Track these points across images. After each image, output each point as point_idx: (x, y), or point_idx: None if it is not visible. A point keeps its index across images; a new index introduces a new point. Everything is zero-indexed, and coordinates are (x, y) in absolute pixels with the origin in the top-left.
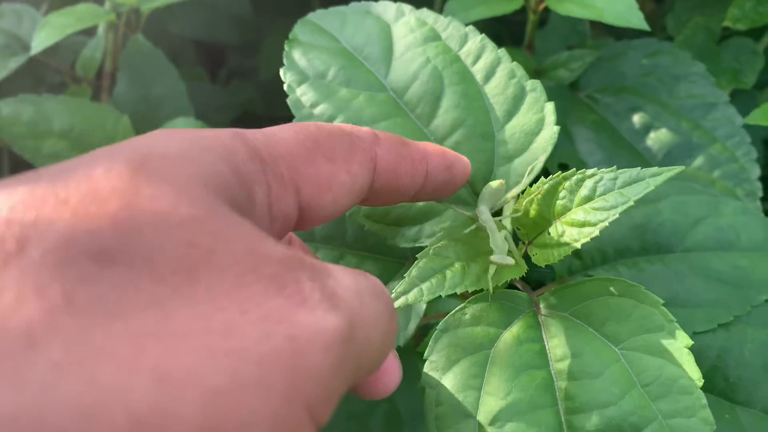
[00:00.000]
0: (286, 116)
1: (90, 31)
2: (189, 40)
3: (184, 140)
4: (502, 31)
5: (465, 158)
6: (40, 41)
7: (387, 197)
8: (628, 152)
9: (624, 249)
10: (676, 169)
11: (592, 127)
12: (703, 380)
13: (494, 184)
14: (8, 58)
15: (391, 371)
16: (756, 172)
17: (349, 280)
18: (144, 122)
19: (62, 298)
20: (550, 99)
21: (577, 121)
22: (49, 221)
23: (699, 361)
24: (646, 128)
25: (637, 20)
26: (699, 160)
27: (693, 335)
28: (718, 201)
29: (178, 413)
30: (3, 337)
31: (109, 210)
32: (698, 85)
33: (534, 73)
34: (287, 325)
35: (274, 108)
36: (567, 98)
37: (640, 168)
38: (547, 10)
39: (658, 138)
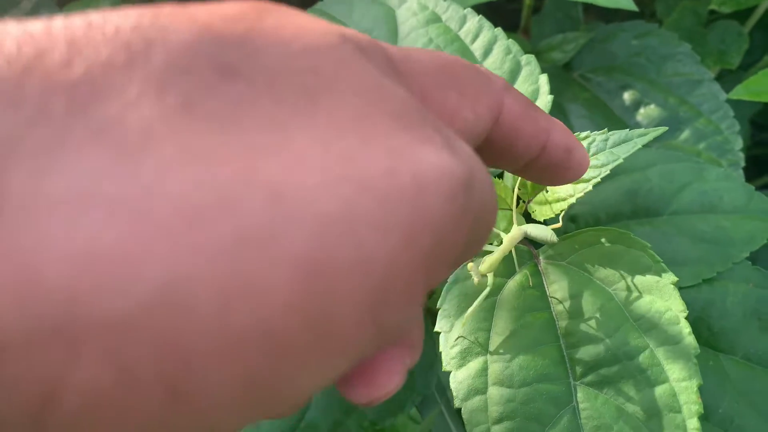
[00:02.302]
0: None
1: None
2: None
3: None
4: (498, 20)
5: (586, 152)
6: None
7: (497, 155)
8: (619, 127)
9: (616, 213)
10: (660, 130)
11: (585, 104)
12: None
13: None
14: None
15: (393, 368)
16: (739, 143)
17: (464, 145)
18: None
19: (182, 102)
20: None
21: (571, 99)
22: (176, 30)
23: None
24: (636, 104)
25: (625, 1)
26: (686, 134)
27: (680, 290)
28: (702, 168)
29: (287, 234)
30: (120, 129)
31: (236, 29)
32: (684, 64)
33: None
34: (413, 163)
35: None
36: (561, 78)
37: (628, 129)
38: None
39: (647, 113)
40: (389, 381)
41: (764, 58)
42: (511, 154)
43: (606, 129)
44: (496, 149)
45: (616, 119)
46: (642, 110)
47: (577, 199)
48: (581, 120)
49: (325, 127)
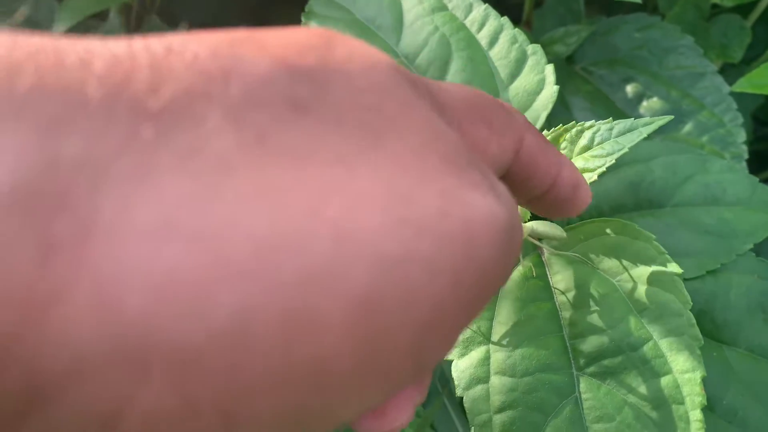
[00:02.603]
0: None
1: (101, 17)
2: (198, 25)
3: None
4: (500, 13)
5: (589, 188)
6: (63, 21)
7: (513, 188)
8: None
9: (619, 205)
10: (665, 118)
11: (588, 97)
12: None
13: None
14: None
15: (404, 404)
16: (742, 136)
17: (504, 187)
18: None
19: (256, 135)
20: None
21: (573, 92)
22: (251, 61)
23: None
24: (639, 97)
25: None
26: (689, 126)
27: (683, 282)
28: (705, 160)
29: (349, 273)
30: (201, 159)
31: (307, 62)
32: (687, 57)
33: None
34: (463, 207)
35: None
36: (564, 71)
37: (633, 119)
38: None
39: (650, 106)
40: (399, 416)
41: (767, 52)
42: (526, 187)
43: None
44: (513, 182)
45: (618, 112)
46: (645, 103)
47: None
48: (584, 113)
49: (387, 165)
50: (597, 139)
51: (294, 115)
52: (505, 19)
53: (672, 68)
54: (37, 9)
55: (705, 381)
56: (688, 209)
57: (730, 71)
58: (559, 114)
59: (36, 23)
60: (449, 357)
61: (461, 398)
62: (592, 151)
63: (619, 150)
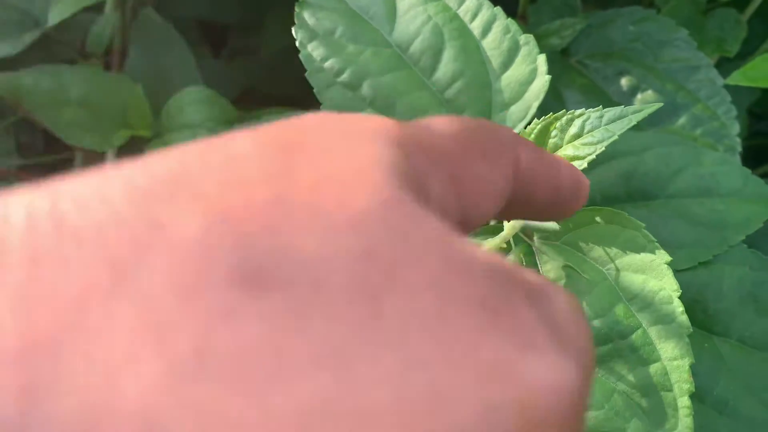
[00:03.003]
0: (288, 93)
1: (97, 10)
2: (193, 19)
3: (342, 119)
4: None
5: (585, 177)
6: (56, 13)
7: (517, 208)
8: None
9: (611, 196)
10: (655, 106)
11: (582, 90)
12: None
13: None
14: (23, 33)
15: None
16: (735, 129)
17: (563, 299)
18: (156, 91)
19: (193, 351)
20: None
21: (568, 85)
22: (177, 220)
23: (681, 296)
24: (633, 90)
25: None
26: (683, 119)
27: (676, 273)
28: (698, 152)
29: None
30: (110, 424)
31: (258, 205)
32: (682, 50)
33: None
34: (515, 388)
35: (276, 85)
36: (558, 64)
37: (623, 106)
38: None
39: (644, 99)
40: None
41: (762, 46)
42: (532, 202)
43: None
44: (518, 201)
45: (613, 105)
46: (639, 96)
47: None
48: (578, 106)
49: (398, 348)
50: (587, 127)
51: (249, 298)
52: (498, 9)
53: (667, 61)
54: (32, 1)
55: (695, 371)
56: (680, 200)
57: (726, 65)
58: (553, 107)
59: (30, 14)
60: None
61: None
62: (582, 139)
63: (609, 137)
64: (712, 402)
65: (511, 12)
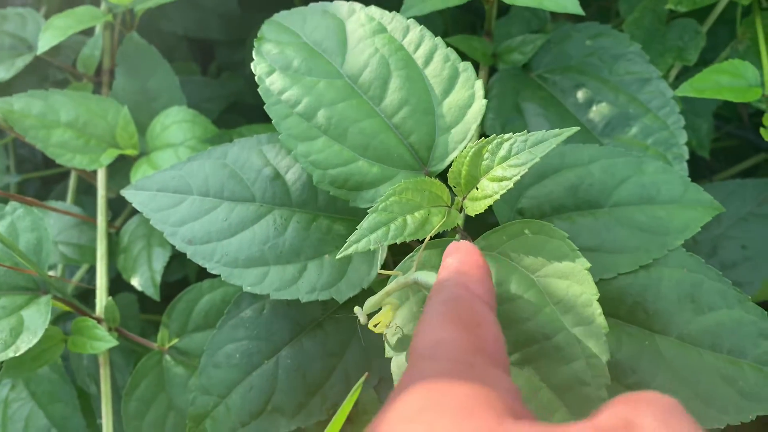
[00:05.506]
0: None
1: (88, 32)
2: (180, 37)
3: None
4: (475, 20)
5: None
6: (45, 41)
7: None
8: (572, 124)
9: (559, 206)
10: (572, 130)
11: (541, 103)
12: (627, 314)
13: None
14: (16, 58)
15: None
16: (683, 138)
17: None
18: (142, 112)
19: None
20: (504, 80)
21: (527, 98)
22: None
23: (623, 297)
24: (589, 102)
25: (572, 6)
26: (635, 129)
27: (618, 276)
28: (641, 161)
29: None
30: None
31: None
32: (635, 63)
33: (492, 57)
34: None
35: (260, 98)
36: (520, 78)
37: (545, 131)
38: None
39: (599, 111)
40: None
41: (721, 55)
42: None
43: (556, 127)
44: None
45: (569, 116)
46: (594, 108)
47: (509, 193)
48: (537, 118)
49: None
50: (514, 150)
51: None
52: (439, 39)
53: (621, 74)
54: (23, 26)
55: (636, 367)
56: (624, 209)
57: (686, 74)
58: (513, 120)
59: (22, 39)
60: (388, 354)
61: None
62: (509, 161)
63: (532, 159)
64: None
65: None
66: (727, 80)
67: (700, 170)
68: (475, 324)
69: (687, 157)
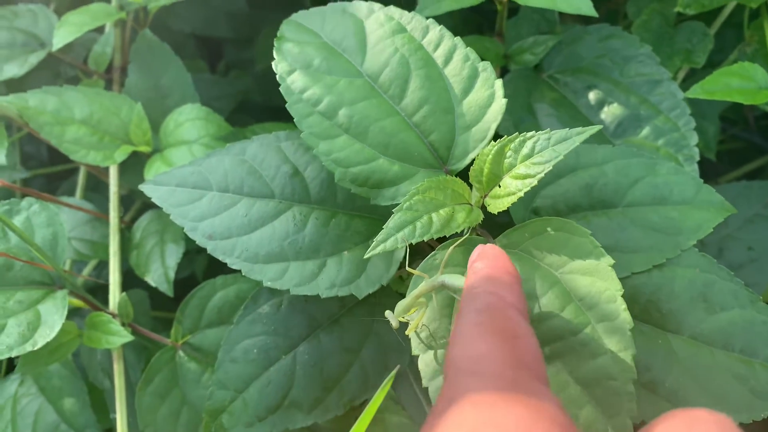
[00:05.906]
0: (281, 105)
1: (97, 29)
2: (189, 35)
3: None
4: (482, 21)
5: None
6: (60, 38)
7: None
8: (584, 125)
9: (574, 205)
10: (596, 128)
11: (553, 103)
12: (641, 313)
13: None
14: (28, 54)
15: None
16: (694, 139)
17: None
18: (154, 109)
19: None
20: (516, 81)
21: (539, 99)
22: None
23: (637, 296)
24: (600, 103)
25: (586, 7)
26: (646, 130)
27: (632, 275)
28: (655, 163)
29: None
30: None
31: None
32: (645, 65)
33: (503, 58)
34: None
35: (269, 96)
36: (531, 79)
37: (568, 129)
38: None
39: (610, 112)
40: None
41: (730, 57)
42: None
43: (568, 128)
44: None
45: (581, 117)
46: (606, 109)
47: (525, 193)
48: (548, 118)
49: None
50: (537, 148)
51: None
52: (458, 39)
53: (631, 75)
54: (35, 22)
55: (650, 365)
56: (637, 209)
57: (698, 75)
58: (526, 120)
59: (34, 36)
60: (414, 352)
61: (427, 387)
62: (532, 159)
63: (556, 157)
64: (664, 393)
65: (492, 24)
66: (737, 83)
67: (706, 172)
68: (513, 335)
69: (698, 158)
